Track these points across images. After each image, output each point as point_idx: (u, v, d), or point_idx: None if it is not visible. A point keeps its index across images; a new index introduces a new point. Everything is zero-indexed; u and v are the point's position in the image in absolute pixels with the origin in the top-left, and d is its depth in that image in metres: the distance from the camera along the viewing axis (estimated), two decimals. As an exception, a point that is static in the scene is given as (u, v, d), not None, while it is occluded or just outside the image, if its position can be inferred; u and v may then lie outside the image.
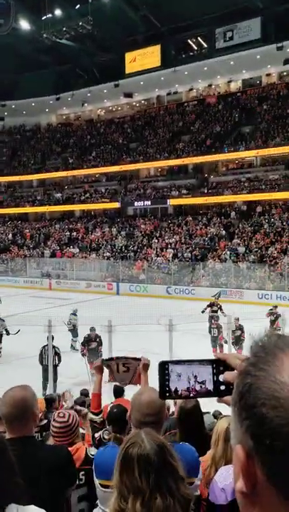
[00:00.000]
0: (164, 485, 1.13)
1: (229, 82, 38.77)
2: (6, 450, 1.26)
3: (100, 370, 3.28)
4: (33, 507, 1.06)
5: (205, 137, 35.96)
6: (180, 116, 39.77)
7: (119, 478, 1.19)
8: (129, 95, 41.40)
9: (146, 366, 3.26)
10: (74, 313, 14.56)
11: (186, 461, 1.29)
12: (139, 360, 3.39)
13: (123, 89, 39.98)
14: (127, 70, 38.41)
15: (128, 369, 3.32)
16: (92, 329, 11.88)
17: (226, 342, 12.38)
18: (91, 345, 11.65)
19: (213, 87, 39.65)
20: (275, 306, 14.97)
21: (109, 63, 40.25)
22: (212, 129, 36.37)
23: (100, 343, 11.55)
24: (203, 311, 15.13)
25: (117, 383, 3.23)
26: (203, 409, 3.60)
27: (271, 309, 14.66)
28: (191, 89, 40.68)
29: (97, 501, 2.12)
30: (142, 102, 43.47)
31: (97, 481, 2.01)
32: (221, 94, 39.06)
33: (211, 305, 15.50)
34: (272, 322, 14.01)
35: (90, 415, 3.34)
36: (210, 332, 14.17)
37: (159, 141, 38.60)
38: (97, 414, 3.31)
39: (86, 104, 43.92)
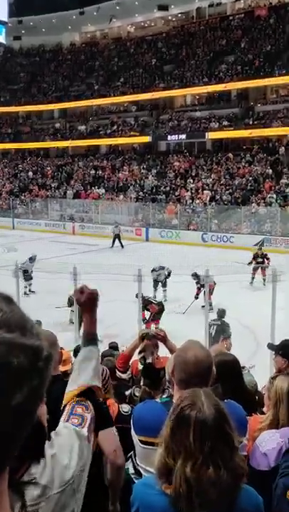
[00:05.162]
0: (218, 455, 1.17)
1: (284, -11, 36.44)
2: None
3: (141, 340, 3.48)
4: (61, 425, 1.21)
5: (252, 58, 34.51)
6: (223, 33, 38.11)
7: (170, 435, 1.24)
8: (164, 8, 40.16)
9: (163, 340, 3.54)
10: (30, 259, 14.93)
11: (235, 419, 1.34)
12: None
13: (157, 0, 38.35)
14: (163, -24, 36.75)
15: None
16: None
17: None
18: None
19: (264, -4, 37.46)
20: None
21: None
22: (261, 47, 34.79)
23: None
24: (250, 263, 15.72)
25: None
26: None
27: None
28: (237, 0, 38.63)
29: (134, 458, 2.22)
30: (179, 15, 42.11)
31: (136, 438, 2.07)
32: (272, 5, 36.86)
33: (255, 257, 16.17)
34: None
35: (118, 373, 3.59)
36: (251, 283, 15.16)
37: (197, 62, 37.39)
38: (124, 372, 3.63)
39: (114, 20, 42.81)
